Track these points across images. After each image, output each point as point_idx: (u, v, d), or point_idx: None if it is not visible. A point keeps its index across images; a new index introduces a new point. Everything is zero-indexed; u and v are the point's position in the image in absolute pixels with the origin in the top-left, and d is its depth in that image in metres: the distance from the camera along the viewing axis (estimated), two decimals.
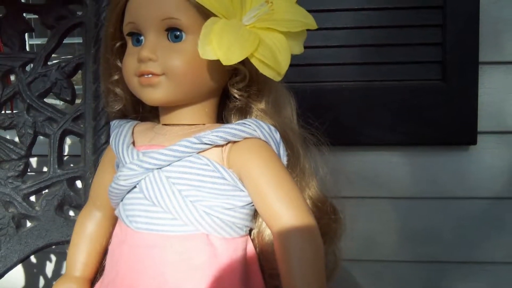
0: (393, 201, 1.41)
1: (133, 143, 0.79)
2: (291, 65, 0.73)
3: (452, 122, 1.32)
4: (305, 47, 0.77)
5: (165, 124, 0.81)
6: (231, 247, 0.74)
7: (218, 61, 0.68)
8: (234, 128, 0.74)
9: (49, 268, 1.64)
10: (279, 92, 0.84)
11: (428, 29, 1.33)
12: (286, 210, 0.71)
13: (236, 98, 0.79)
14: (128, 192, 0.76)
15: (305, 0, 0.78)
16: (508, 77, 1.33)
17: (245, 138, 0.75)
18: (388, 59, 1.36)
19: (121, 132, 0.80)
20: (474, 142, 1.34)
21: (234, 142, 0.75)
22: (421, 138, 1.35)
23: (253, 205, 0.76)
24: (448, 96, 1.31)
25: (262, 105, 0.80)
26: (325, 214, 0.82)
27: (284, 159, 0.79)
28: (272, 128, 0.77)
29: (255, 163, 0.74)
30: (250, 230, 0.80)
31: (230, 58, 0.68)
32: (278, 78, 0.73)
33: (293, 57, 0.74)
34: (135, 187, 0.76)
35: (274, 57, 0.72)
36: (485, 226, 1.38)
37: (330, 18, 1.34)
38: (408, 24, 1.33)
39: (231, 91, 0.79)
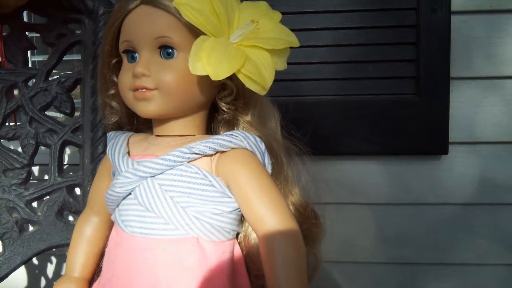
0: (370, 207, 1.41)
1: (128, 153, 0.80)
2: (275, 80, 0.74)
3: (425, 133, 1.33)
4: (288, 64, 0.78)
5: (158, 135, 0.81)
6: (219, 249, 0.75)
7: (207, 76, 0.69)
8: (223, 139, 0.75)
9: (50, 269, 1.64)
10: (264, 105, 0.85)
11: (403, 47, 1.34)
12: (270, 216, 0.72)
13: (224, 111, 0.80)
14: (124, 198, 0.77)
15: (288, 19, 0.79)
16: (477, 91, 1.34)
17: (233, 148, 0.76)
18: (366, 74, 1.36)
19: (117, 143, 0.80)
20: (445, 152, 1.35)
21: (222, 152, 0.76)
22: (396, 148, 1.36)
23: (240, 211, 0.76)
24: (421, 109, 1.32)
25: (248, 118, 0.81)
26: (307, 219, 0.83)
27: (269, 168, 0.80)
28: (258, 139, 0.78)
29: (241, 171, 0.74)
30: (238, 234, 0.80)
31: (219, 73, 0.69)
32: (263, 92, 0.74)
33: (277, 72, 0.75)
34: (130, 193, 0.76)
35: (260, 72, 0.72)
36: (456, 230, 1.39)
37: (311, 37, 1.35)
38: (384, 42, 1.34)
39: (219, 104, 0.80)
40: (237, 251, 0.79)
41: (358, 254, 1.43)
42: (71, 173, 1.05)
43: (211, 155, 0.76)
